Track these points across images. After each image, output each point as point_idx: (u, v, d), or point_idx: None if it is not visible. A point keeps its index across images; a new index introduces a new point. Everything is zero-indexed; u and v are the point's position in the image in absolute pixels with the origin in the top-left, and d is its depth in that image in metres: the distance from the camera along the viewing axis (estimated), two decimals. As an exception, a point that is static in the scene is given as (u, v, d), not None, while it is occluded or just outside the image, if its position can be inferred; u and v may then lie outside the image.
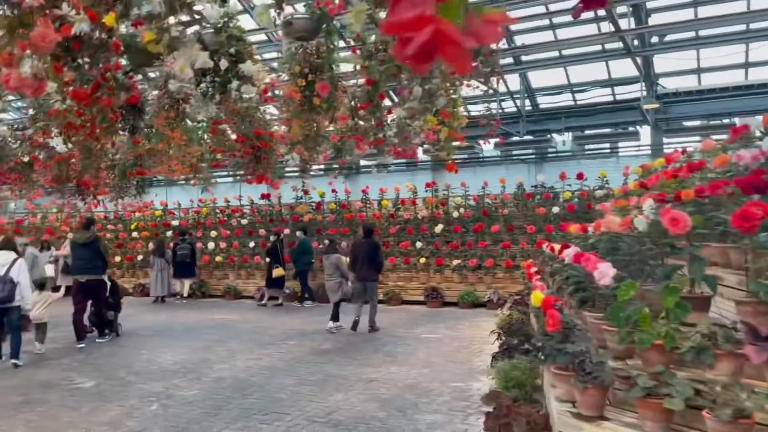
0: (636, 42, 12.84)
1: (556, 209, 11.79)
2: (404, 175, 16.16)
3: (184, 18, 3.82)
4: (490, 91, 5.15)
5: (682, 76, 14.97)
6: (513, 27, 12.59)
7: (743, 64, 14.10)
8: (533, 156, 17.77)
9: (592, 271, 3.74)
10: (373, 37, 5.01)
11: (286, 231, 13.70)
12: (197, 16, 3.96)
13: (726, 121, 14.83)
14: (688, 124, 16.05)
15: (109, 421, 5.08)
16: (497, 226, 12.09)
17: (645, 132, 15.95)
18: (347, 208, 13.83)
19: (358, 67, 5.05)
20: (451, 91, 5.28)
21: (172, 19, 3.47)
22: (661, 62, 14.40)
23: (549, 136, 16.81)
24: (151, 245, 14.86)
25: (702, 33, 12.95)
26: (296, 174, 13.05)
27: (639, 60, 13.38)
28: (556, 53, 14.25)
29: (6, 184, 8.99)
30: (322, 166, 13.77)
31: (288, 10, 4.31)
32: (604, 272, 3.36)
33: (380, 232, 12.54)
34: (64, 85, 3.61)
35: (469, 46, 0.53)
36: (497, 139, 14.12)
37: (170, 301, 13.64)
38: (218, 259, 14.51)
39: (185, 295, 13.70)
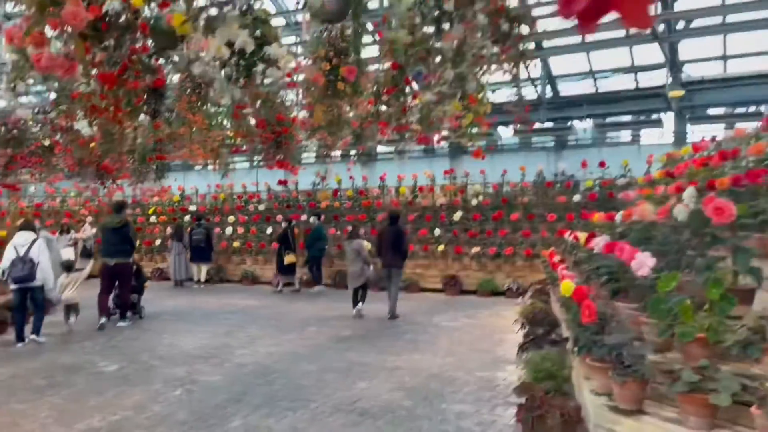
0: (662, 27, 12.57)
1: (577, 197, 11.64)
2: (422, 162, 16.04)
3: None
4: (521, 76, 5.02)
5: (708, 62, 14.66)
6: (534, 12, 12.35)
7: (771, 51, 13.78)
8: (552, 143, 17.57)
9: (626, 261, 3.65)
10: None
11: (303, 218, 13.68)
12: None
13: (752, 109, 14.52)
14: (712, 112, 15.75)
15: (134, 405, 5.09)
16: (517, 214, 11.97)
17: (667, 120, 15.68)
18: (365, 195, 13.77)
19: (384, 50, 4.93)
20: (480, 76, 5.15)
21: (203, 1, 3.40)
22: (686, 49, 14.13)
23: (570, 123, 16.58)
24: (169, 230, 14.98)
25: (729, 19, 12.64)
26: (313, 161, 13.03)
27: (665, 47, 13.10)
28: (578, 39, 14.01)
29: (26, 167, 9.03)
30: (339, 153, 13.69)
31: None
32: (642, 262, 3.27)
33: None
34: (91, 67, 3.56)
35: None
36: (525, 126, 13.90)
37: (188, 285, 13.73)
38: (236, 244, 14.57)
39: (202, 279, 13.78)
